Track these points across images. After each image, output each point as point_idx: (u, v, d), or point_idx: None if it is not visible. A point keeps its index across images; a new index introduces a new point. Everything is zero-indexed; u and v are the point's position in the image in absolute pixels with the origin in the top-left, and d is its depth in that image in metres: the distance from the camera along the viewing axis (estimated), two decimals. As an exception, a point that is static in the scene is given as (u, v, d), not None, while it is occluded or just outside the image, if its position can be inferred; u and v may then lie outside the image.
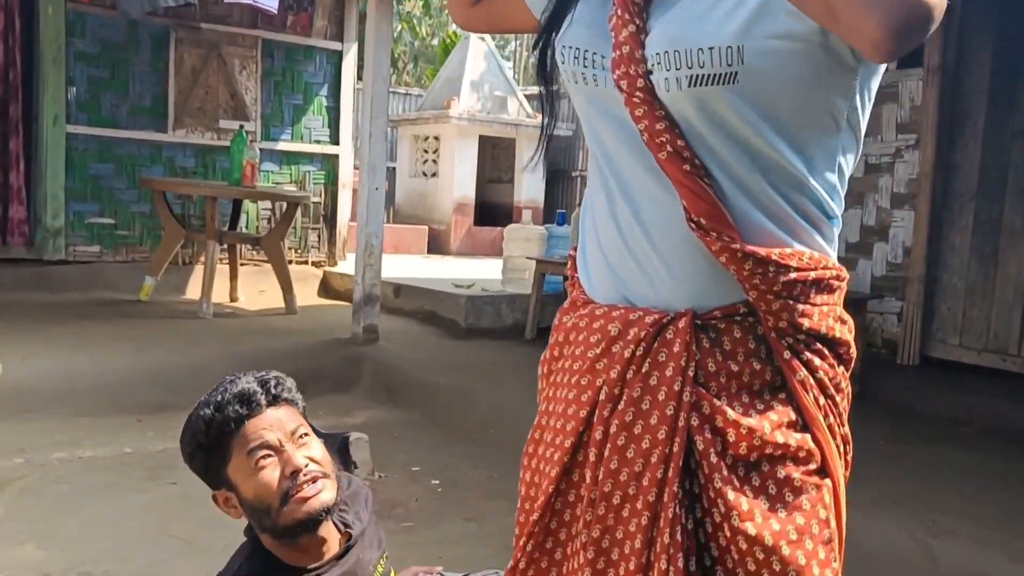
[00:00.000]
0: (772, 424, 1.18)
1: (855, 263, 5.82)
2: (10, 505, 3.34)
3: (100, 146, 7.05)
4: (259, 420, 1.63)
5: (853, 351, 1.27)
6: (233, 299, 7.10)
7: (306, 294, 7.74)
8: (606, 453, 1.20)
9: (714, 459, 1.17)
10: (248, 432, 1.62)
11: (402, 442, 4.47)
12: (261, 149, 7.49)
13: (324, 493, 1.65)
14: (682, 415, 1.18)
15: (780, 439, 1.18)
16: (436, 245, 11.54)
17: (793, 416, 1.20)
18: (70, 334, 5.34)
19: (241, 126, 6.94)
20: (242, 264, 7.50)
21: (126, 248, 7.23)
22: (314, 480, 1.64)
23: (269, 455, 1.61)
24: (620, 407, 1.21)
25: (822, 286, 1.21)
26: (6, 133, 6.79)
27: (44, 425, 4.22)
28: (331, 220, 8.28)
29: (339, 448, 3.89)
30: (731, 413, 1.18)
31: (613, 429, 1.20)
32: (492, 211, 12.38)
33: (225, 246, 6.88)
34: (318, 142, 8.11)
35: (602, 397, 1.22)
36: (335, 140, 8.19)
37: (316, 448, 1.70)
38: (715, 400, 1.19)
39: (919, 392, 5.12)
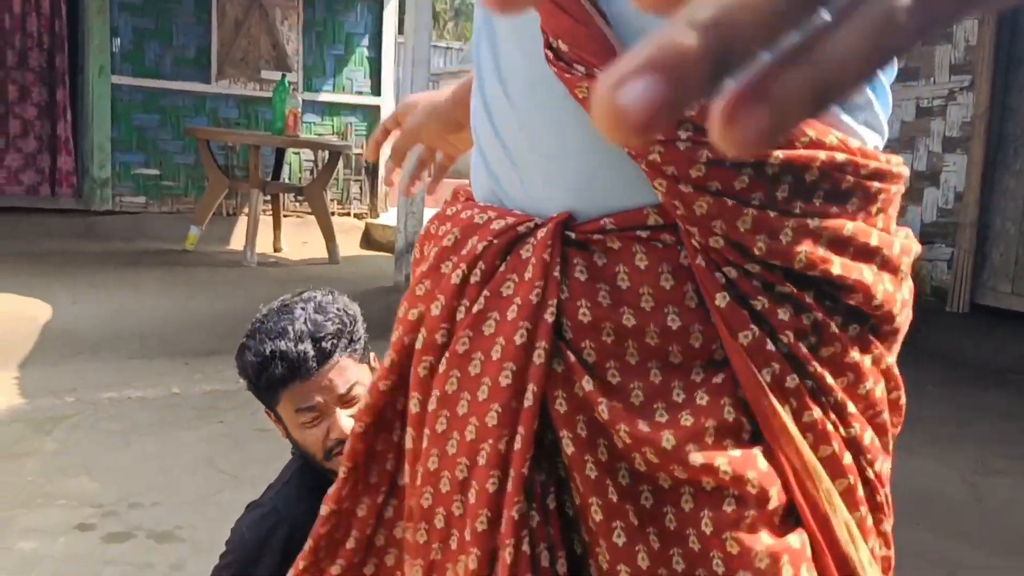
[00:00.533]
0: (684, 432, 0.72)
1: (904, 211, 5.70)
2: (63, 440, 3.42)
3: (145, 97, 7.10)
4: (308, 384, 1.54)
5: (899, 310, 0.78)
6: (277, 249, 7.15)
7: (348, 245, 7.78)
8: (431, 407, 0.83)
9: (592, 474, 0.74)
10: (296, 392, 1.56)
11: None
12: (303, 100, 7.50)
13: None
14: (531, 390, 0.75)
15: (698, 460, 0.71)
16: (477, 199, 11.54)
17: (730, 415, 0.73)
18: (118, 281, 5.42)
19: (283, 75, 6.94)
20: (285, 216, 7.54)
21: (171, 199, 7.30)
22: None
23: (316, 416, 1.58)
24: (447, 355, 0.82)
25: (825, 181, 0.73)
26: (52, 84, 6.87)
27: (94, 366, 4.30)
28: (373, 172, 8.28)
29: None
30: (616, 405, 0.74)
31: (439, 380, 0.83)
32: (533, 165, 12.29)
33: (268, 196, 6.92)
34: (360, 93, 8.10)
35: (422, 335, 0.85)
36: (376, 91, 8.16)
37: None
38: (589, 376, 0.75)
39: (969, 339, 5.03)
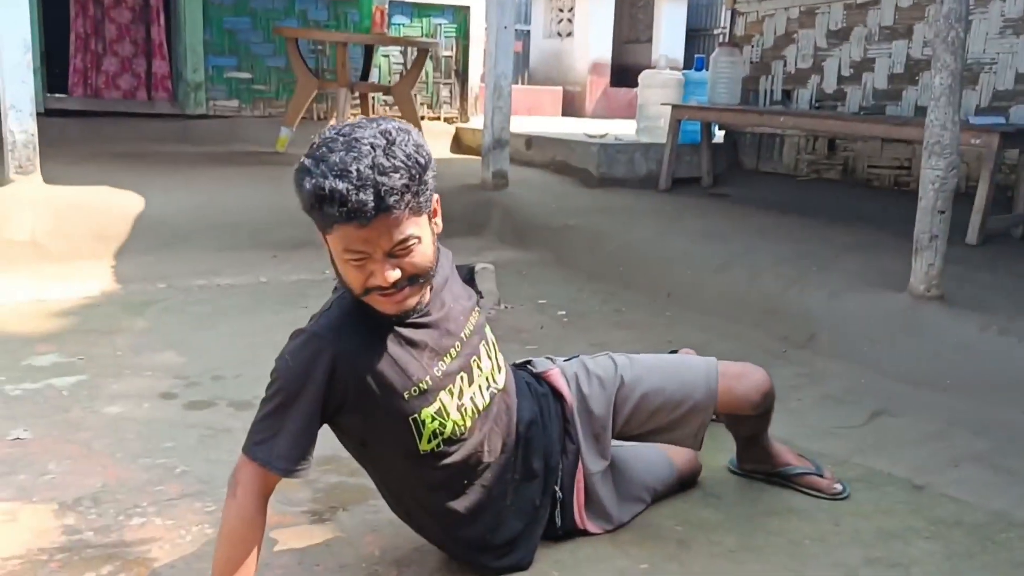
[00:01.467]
0: None
1: None
2: (153, 320, 3.48)
3: (235, 0, 7.10)
4: (360, 231, 1.47)
5: None
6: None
7: (438, 149, 7.69)
8: None
9: None
10: (347, 233, 1.48)
11: (530, 279, 4.42)
12: (391, 1, 7.38)
13: (408, 301, 1.59)
14: None
15: None
16: (570, 107, 11.30)
17: None
18: (211, 178, 5.47)
19: (370, -26, 6.84)
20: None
21: (263, 102, 7.34)
22: (398, 292, 1.56)
23: (362, 258, 1.51)
24: None
25: None
26: (146, -12, 6.91)
27: (185, 256, 4.37)
28: (463, 75, 8.16)
29: (465, 278, 3.87)
30: None
31: None
32: (628, 73, 11.96)
33: (357, 97, 6.88)
34: (449, -7, 7.94)
35: None
36: (466, -9, 7.99)
37: (419, 253, 1.54)
38: None
39: None
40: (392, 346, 1.61)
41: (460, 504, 1.73)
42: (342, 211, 1.44)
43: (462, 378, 1.69)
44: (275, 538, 1.94)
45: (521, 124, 8.63)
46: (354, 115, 7.24)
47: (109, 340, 3.22)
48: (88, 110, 6.77)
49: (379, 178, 1.44)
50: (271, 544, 1.91)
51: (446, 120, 8.16)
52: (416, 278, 1.57)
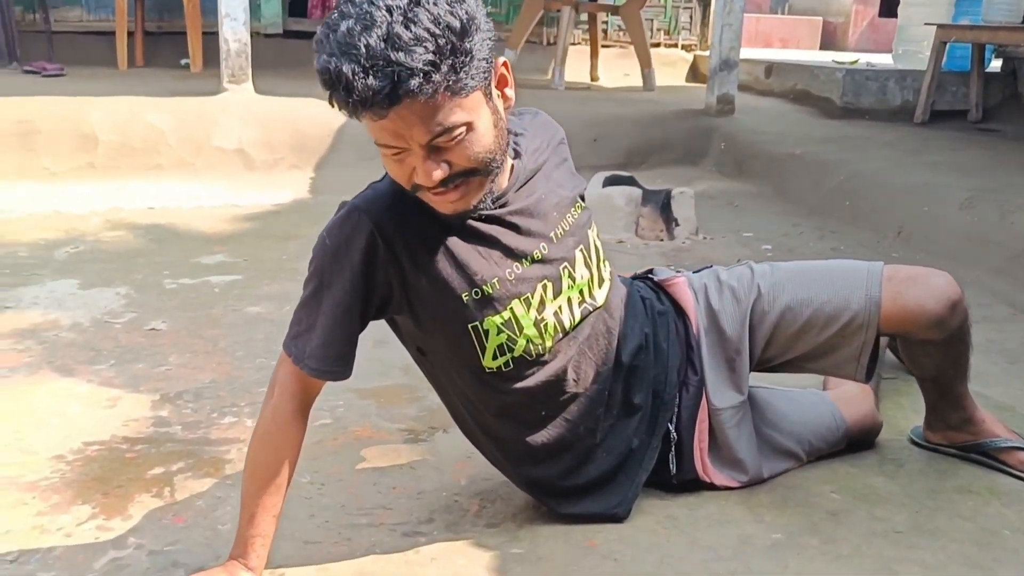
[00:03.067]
0: None
1: None
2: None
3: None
4: (380, 123, 1.16)
5: None
6: (593, 78, 6.82)
7: (672, 77, 7.25)
8: None
9: None
10: (369, 125, 1.18)
11: (741, 211, 3.97)
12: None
13: (464, 200, 1.27)
14: None
15: None
16: (830, 40, 10.35)
17: None
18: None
19: None
20: (606, 46, 7.17)
21: (493, 24, 7.17)
22: (450, 190, 1.24)
23: (397, 152, 1.20)
24: None
25: None
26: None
27: (382, 171, 4.30)
28: (705, -1, 7.60)
29: (661, 203, 3.52)
30: None
31: None
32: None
33: (586, 19, 6.56)
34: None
35: None
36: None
37: (471, 142, 1.20)
38: None
39: None
40: (453, 234, 1.33)
41: (535, 438, 1.43)
42: (349, 100, 1.12)
43: (544, 287, 1.37)
44: (362, 455, 1.74)
45: (769, 55, 7.96)
46: (584, 40, 6.95)
47: (281, 245, 3.17)
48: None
49: (394, 55, 1.09)
50: (354, 459, 1.71)
51: (684, 47, 7.65)
52: (472, 171, 1.24)
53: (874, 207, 3.68)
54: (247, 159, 4.24)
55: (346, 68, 1.10)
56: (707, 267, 1.68)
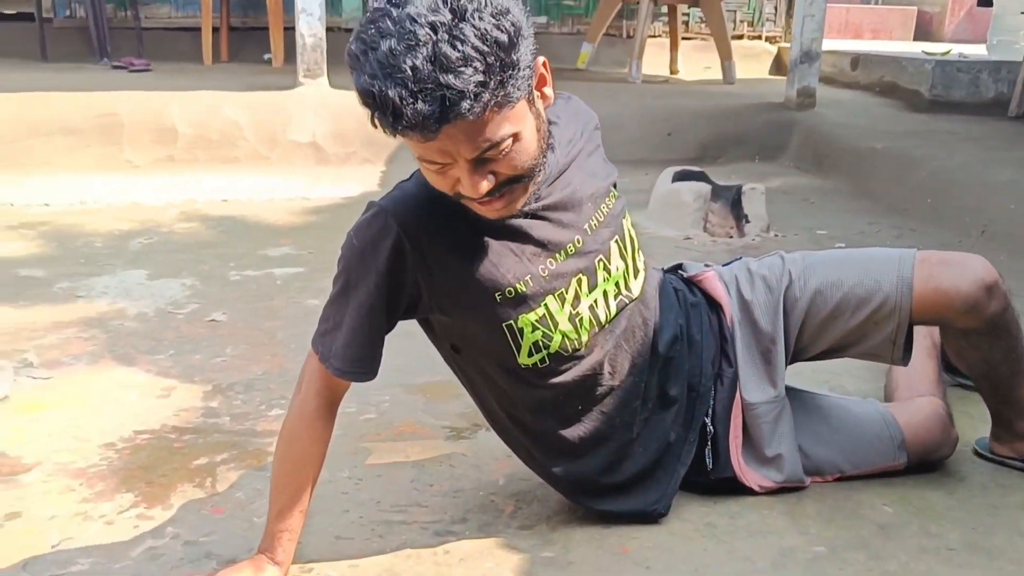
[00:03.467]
0: None
1: None
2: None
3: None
4: (430, 143, 1.11)
5: None
6: (673, 71, 6.72)
7: (756, 70, 7.11)
8: None
9: None
10: (413, 143, 1.14)
11: (816, 208, 3.86)
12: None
13: (512, 206, 1.23)
14: None
15: None
16: (925, 30, 9.98)
17: None
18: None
19: None
20: (687, 38, 7.06)
21: (572, 19, 7.13)
22: (496, 200, 1.21)
23: (441, 167, 1.17)
24: None
25: None
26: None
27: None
28: (790, -11, 7.40)
29: (732, 200, 3.43)
30: None
31: None
32: (1003, -11, 10.32)
33: (666, 12, 6.46)
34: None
35: None
36: None
37: (518, 152, 1.16)
38: None
39: None
40: (484, 232, 1.30)
41: (571, 432, 1.40)
42: (398, 125, 1.08)
43: (579, 281, 1.34)
44: (402, 448, 1.74)
45: (856, 47, 7.72)
46: (664, 32, 6.85)
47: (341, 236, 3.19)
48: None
49: (443, 77, 1.04)
50: (395, 455, 1.71)
51: (768, 39, 7.48)
52: (517, 179, 1.21)
53: (958, 205, 3.53)
54: (320, 153, 4.30)
55: (392, 93, 1.05)
56: (736, 259, 1.63)
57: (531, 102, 1.19)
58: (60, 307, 2.47)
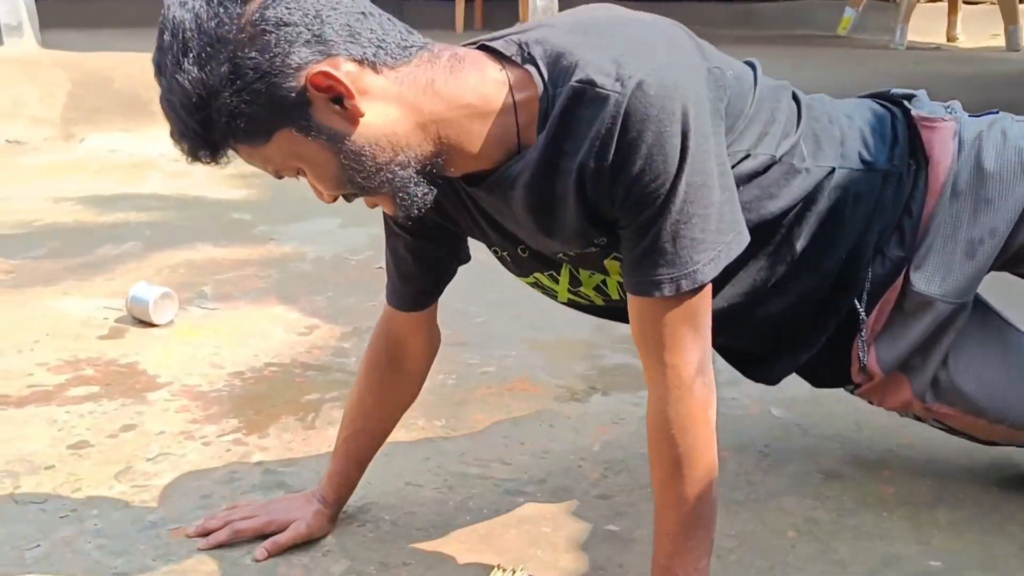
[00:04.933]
0: None
1: None
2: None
3: None
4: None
5: None
6: (950, 38, 6.08)
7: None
8: None
9: None
10: None
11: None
12: None
13: (390, 211, 1.03)
14: None
15: None
16: None
17: None
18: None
19: None
20: (970, 3, 6.36)
21: None
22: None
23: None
24: None
25: None
26: None
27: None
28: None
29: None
30: None
31: None
32: None
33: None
34: None
35: None
36: None
37: (314, 179, 0.97)
38: None
39: None
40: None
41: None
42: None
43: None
44: (507, 403, 1.68)
45: None
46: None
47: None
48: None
49: (180, 123, 0.93)
50: (499, 410, 1.65)
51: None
52: (354, 195, 1.01)
53: None
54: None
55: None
56: (992, 112, 1.25)
57: (306, 131, 0.93)
58: (252, 248, 2.62)
